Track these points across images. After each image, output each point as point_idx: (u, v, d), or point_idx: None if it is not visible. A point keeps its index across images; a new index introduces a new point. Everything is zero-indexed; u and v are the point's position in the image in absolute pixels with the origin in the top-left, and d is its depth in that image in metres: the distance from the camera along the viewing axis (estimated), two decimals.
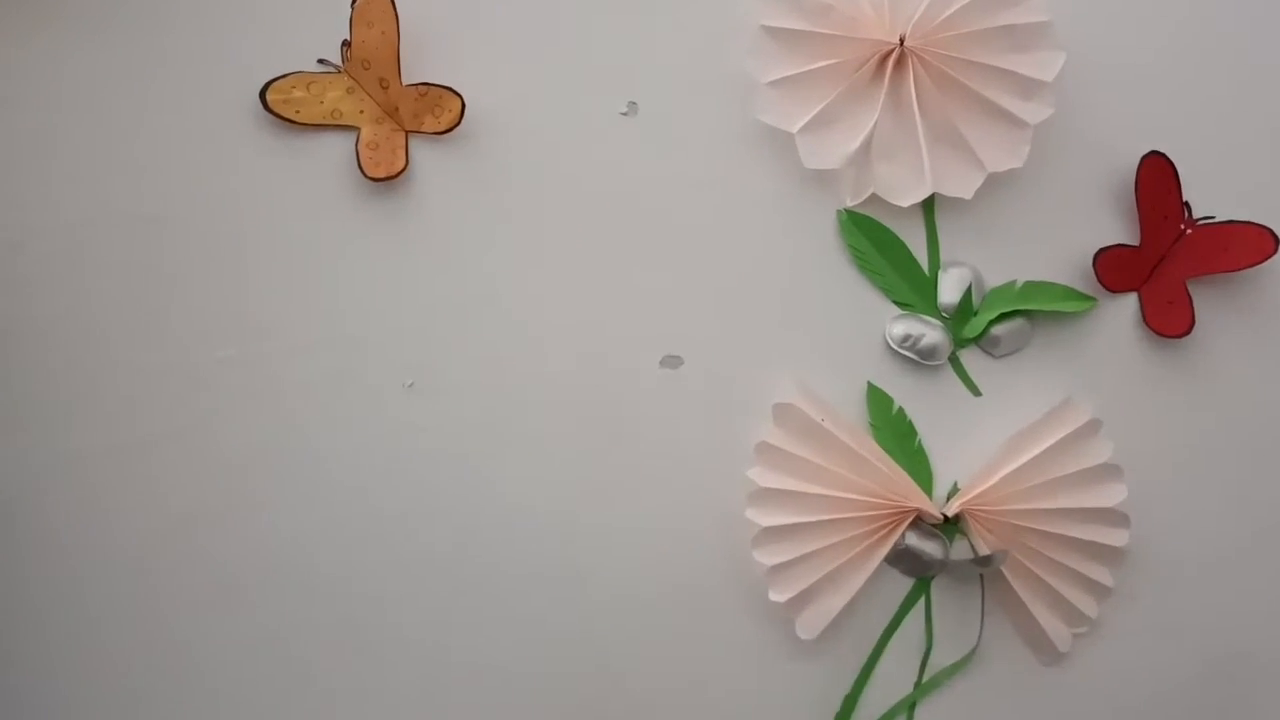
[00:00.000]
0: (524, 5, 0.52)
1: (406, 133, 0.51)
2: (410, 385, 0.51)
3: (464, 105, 0.50)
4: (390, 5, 0.49)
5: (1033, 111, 0.50)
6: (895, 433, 0.52)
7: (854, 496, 0.50)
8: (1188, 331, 0.52)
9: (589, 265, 0.52)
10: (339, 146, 0.51)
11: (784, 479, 0.50)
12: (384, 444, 0.51)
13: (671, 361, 0.52)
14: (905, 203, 0.51)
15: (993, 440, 0.52)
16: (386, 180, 0.50)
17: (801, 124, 0.50)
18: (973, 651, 0.52)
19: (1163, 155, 0.51)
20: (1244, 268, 0.52)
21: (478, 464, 0.51)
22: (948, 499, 0.52)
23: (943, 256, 0.53)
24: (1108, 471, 0.51)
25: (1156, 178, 0.52)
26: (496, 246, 0.52)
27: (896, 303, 0.53)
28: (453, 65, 0.51)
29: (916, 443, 0.52)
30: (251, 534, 0.50)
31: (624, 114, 0.52)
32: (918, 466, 0.52)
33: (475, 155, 0.51)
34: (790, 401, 0.51)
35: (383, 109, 0.50)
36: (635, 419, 0.51)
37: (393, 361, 0.51)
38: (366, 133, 0.50)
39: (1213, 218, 0.52)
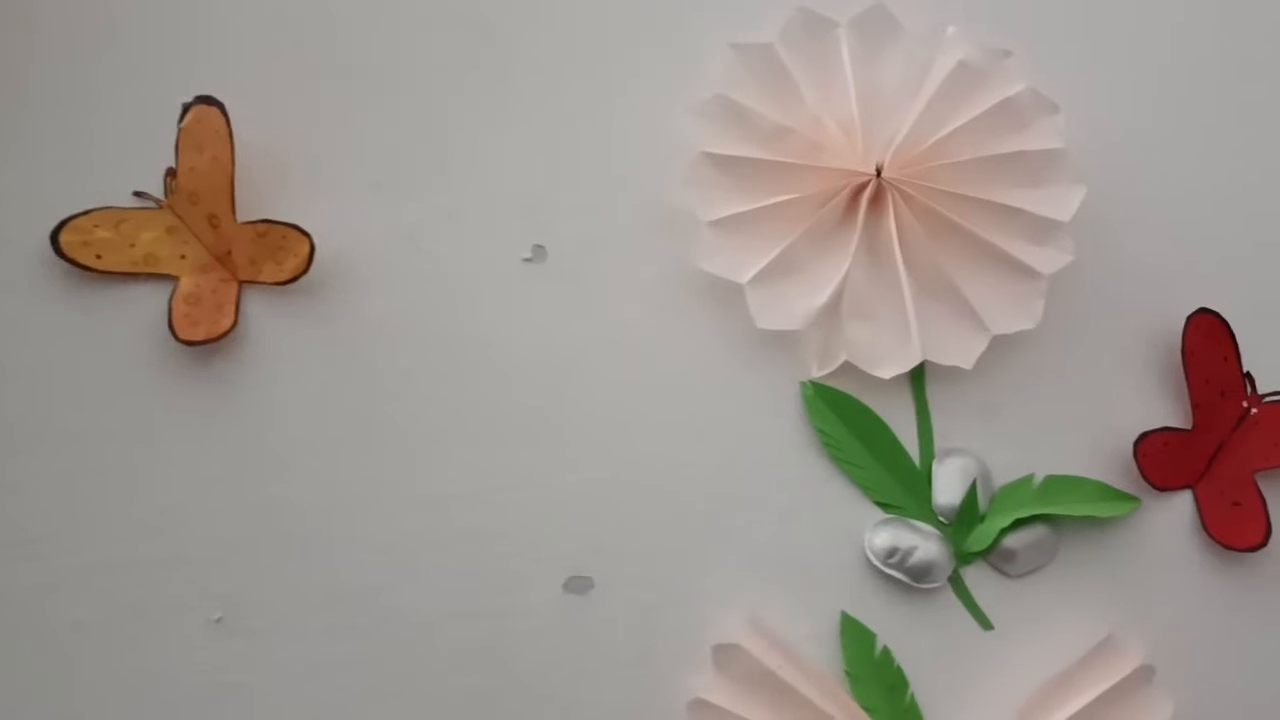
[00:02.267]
0: (397, 124, 0.48)
1: (240, 283, 0.45)
2: (219, 620, 0.45)
3: (313, 248, 0.45)
4: (225, 125, 0.44)
5: (1047, 259, 0.46)
6: (879, 683, 0.45)
7: None
8: (1264, 544, 0.46)
9: (470, 457, 0.46)
10: (151, 301, 0.45)
11: None
12: (182, 701, 0.44)
13: (578, 585, 0.46)
14: (888, 374, 0.46)
15: (1010, 693, 0.45)
16: (206, 344, 0.45)
17: (753, 273, 0.46)
18: None
19: (1214, 313, 0.46)
20: None
21: None
22: None
23: (938, 444, 0.47)
24: None
25: (1208, 341, 0.46)
26: (350, 432, 0.46)
27: (879, 504, 0.47)
28: (300, 199, 0.46)
29: (908, 697, 0.45)
30: None
31: (527, 260, 0.47)
32: None
33: (326, 313, 0.47)
34: (735, 642, 0.44)
35: (211, 253, 0.45)
36: (525, 666, 0.45)
37: (201, 588, 0.45)
38: (186, 283, 0.45)
39: None
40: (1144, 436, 0.46)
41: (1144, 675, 0.44)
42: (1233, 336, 0.46)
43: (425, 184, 0.47)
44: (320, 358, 0.46)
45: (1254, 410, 0.46)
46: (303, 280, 0.45)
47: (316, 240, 0.45)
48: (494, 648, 0.45)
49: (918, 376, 0.47)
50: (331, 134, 0.47)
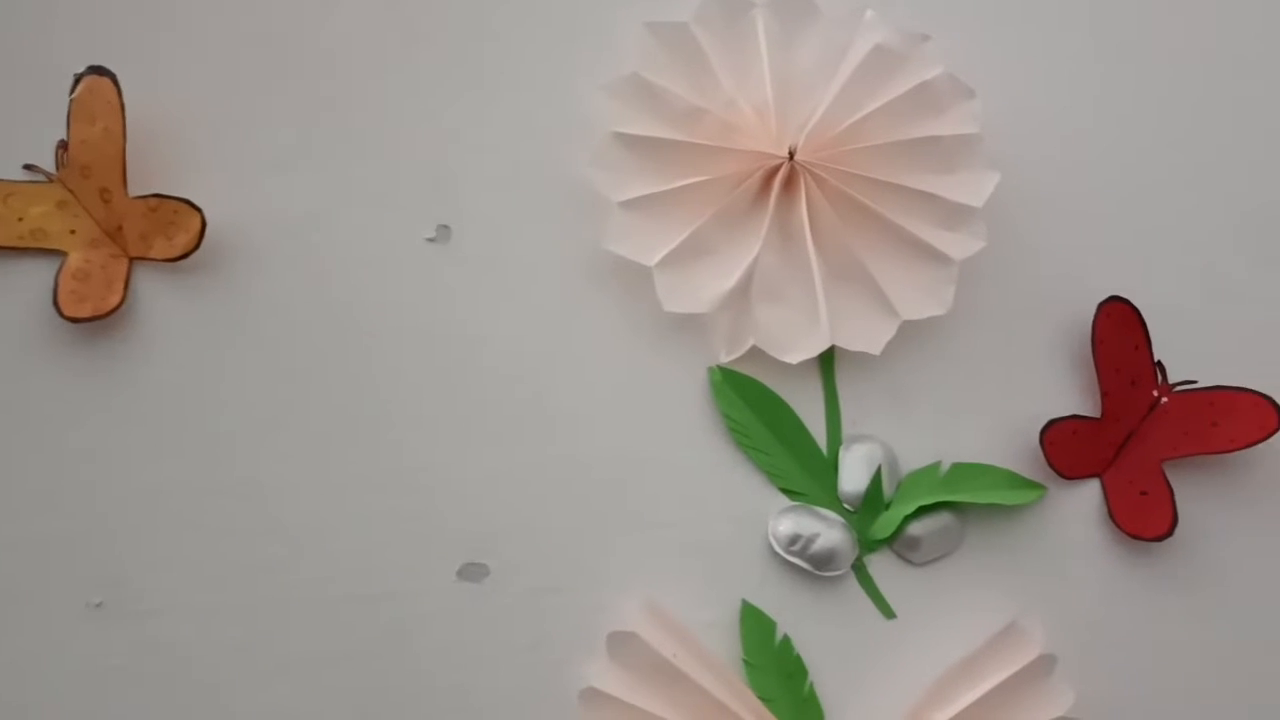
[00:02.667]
0: (295, 96, 0.47)
1: (130, 259, 0.45)
2: (99, 605, 0.44)
3: (204, 224, 0.44)
4: (117, 96, 0.44)
5: (959, 244, 0.46)
6: (778, 672, 0.45)
7: None
8: (1169, 532, 0.46)
9: (365, 439, 0.46)
10: (38, 276, 0.45)
11: None
12: (62, 686, 0.44)
13: (473, 572, 0.45)
14: (795, 358, 0.46)
15: (911, 682, 0.45)
16: (93, 321, 0.44)
17: (661, 256, 0.45)
18: None
19: (1126, 302, 0.46)
20: (1240, 447, 0.46)
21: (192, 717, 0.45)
22: None
23: (846, 430, 0.48)
24: None
25: (1119, 330, 0.47)
26: (240, 412, 0.46)
27: (785, 491, 0.47)
28: (193, 173, 0.46)
29: (807, 686, 0.45)
30: None
31: (430, 240, 0.47)
32: (807, 718, 0.45)
33: (217, 290, 0.46)
34: (631, 630, 0.44)
35: (102, 228, 0.45)
36: (416, 653, 0.45)
37: (82, 571, 0.44)
38: (75, 259, 0.44)
39: (1195, 383, 0.47)
40: (1051, 424, 0.46)
41: (1045, 664, 0.44)
42: (1144, 325, 0.46)
43: (325, 160, 0.47)
44: (211, 337, 0.46)
45: (1164, 399, 0.46)
46: (195, 257, 0.44)
47: (210, 216, 0.44)
48: (386, 633, 0.45)
49: (827, 362, 0.47)
50: (228, 106, 0.47)
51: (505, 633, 0.45)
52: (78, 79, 0.43)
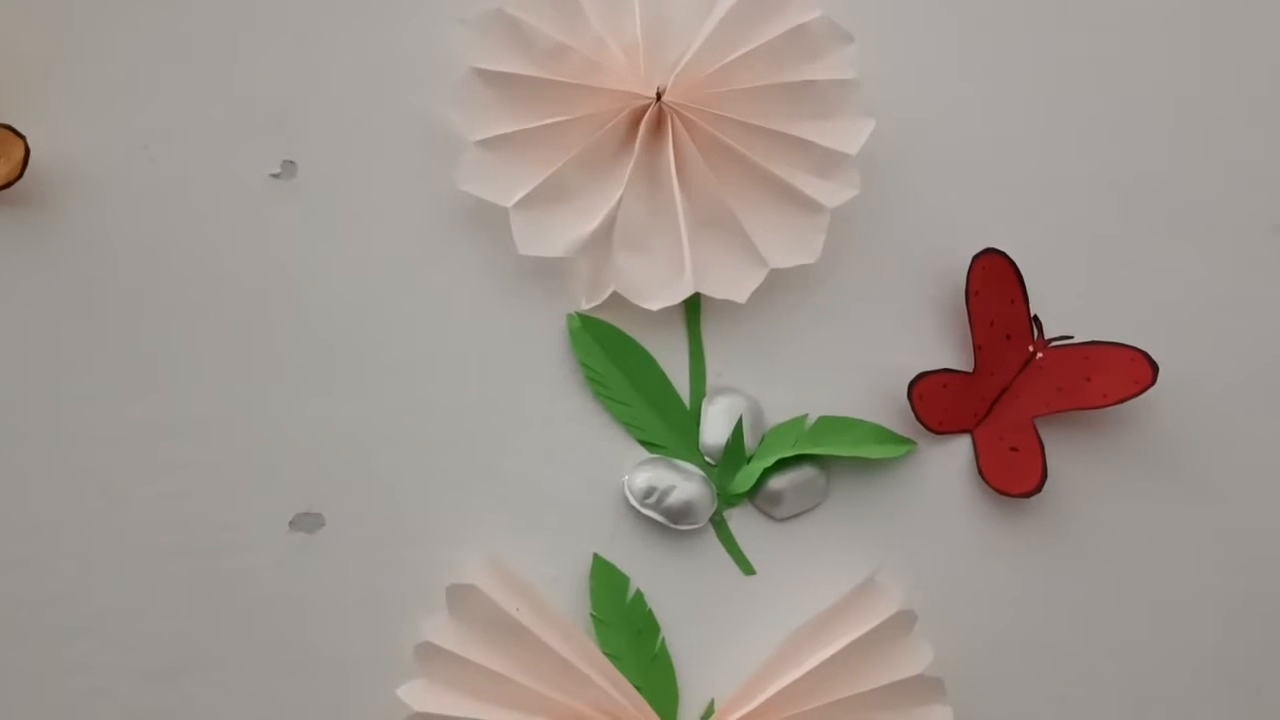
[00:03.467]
0: (129, 18, 0.46)
1: None
2: None
3: (28, 151, 0.43)
4: None
5: (831, 192, 0.46)
6: (628, 629, 0.45)
7: None
8: (1037, 488, 0.46)
9: (198, 383, 0.45)
10: None
11: (451, 699, 0.43)
12: None
13: (307, 522, 0.45)
14: (656, 305, 0.46)
15: (769, 638, 0.45)
16: None
17: (519, 197, 0.45)
18: None
19: (1002, 254, 0.46)
20: (1113, 403, 0.46)
21: (3, 681, 0.44)
22: None
23: (710, 382, 0.48)
24: (924, 687, 0.45)
25: (994, 284, 0.47)
26: (62, 356, 0.45)
27: (643, 443, 0.47)
28: (18, 99, 0.44)
29: (658, 642, 0.45)
30: None
31: (275, 176, 0.46)
32: (657, 679, 0.45)
33: (41, 221, 0.45)
34: (471, 582, 0.44)
35: None
36: (247, 606, 0.44)
37: None
38: None
39: (1071, 338, 0.47)
40: (920, 378, 0.46)
41: (904, 621, 0.44)
42: (1020, 279, 0.46)
43: (164, 89, 0.45)
44: (31, 269, 0.44)
45: (1039, 355, 0.46)
46: (17, 187, 0.43)
47: (34, 145, 0.43)
48: (206, 587, 0.44)
49: (692, 311, 0.47)
50: (66, 35, 0.45)
51: (340, 585, 0.44)
52: None
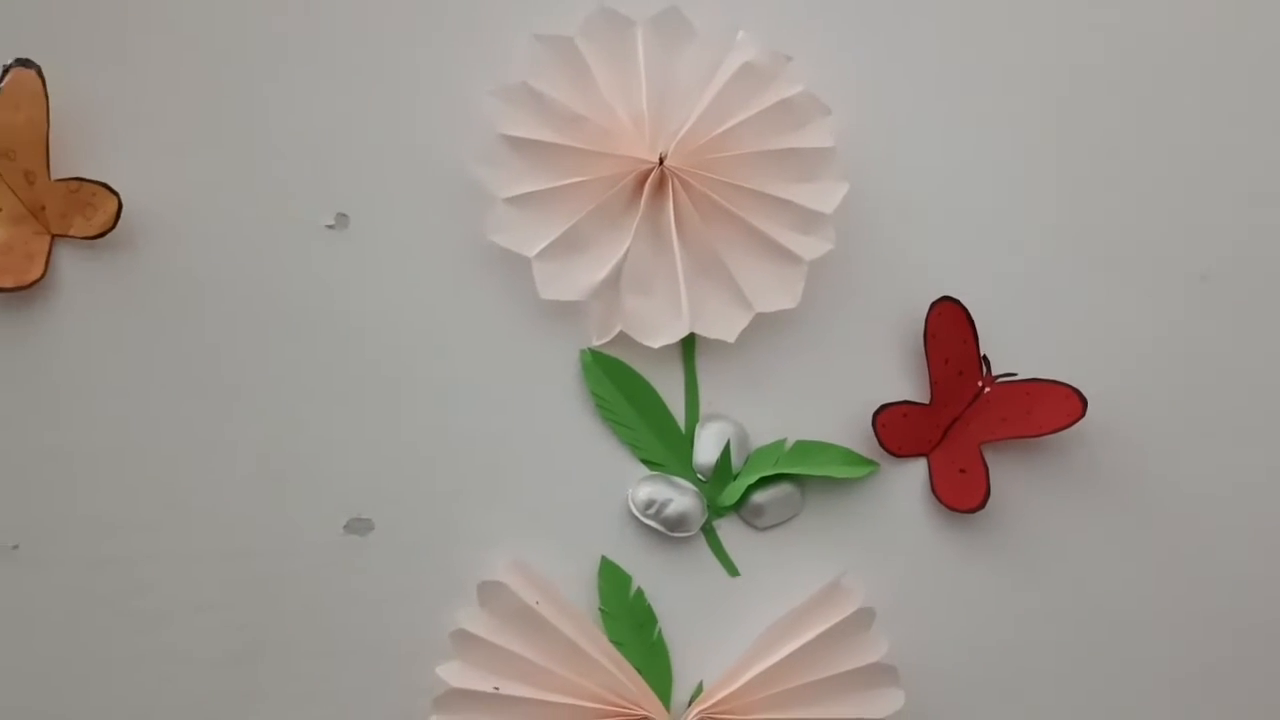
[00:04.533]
0: (206, 91, 0.48)
1: (52, 236, 0.47)
2: (15, 549, 0.46)
3: (120, 206, 0.46)
4: (41, 87, 0.45)
5: (810, 246, 0.48)
6: (631, 620, 0.48)
7: (567, 701, 0.46)
8: (981, 505, 0.49)
9: (266, 405, 0.48)
10: None
11: (482, 677, 0.46)
12: None
13: (359, 526, 0.48)
14: (658, 343, 0.48)
15: (750, 632, 0.48)
16: (16, 291, 0.46)
17: (540, 248, 0.47)
18: None
19: (956, 302, 0.49)
20: (1049, 432, 0.49)
21: (94, 665, 0.47)
22: (689, 704, 0.48)
23: (702, 409, 0.50)
24: (881, 674, 0.48)
25: (949, 327, 0.49)
26: (148, 380, 0.47)
27: (645, 461, 0.49)
28: (111, 159, 0.47)
29: (656, 633, 0.48)
30: None
31: (329, 227, 0.48)
32: (654, 663, 0.48)
33: (133, 267, 0.47)
34: (499, 579, 0.47)
35: (26, 207, 0.46)
36: (308, 596, 0.47)
37: (2, 518, 0.46)
38: (1, 235, 0.46)
39: (1014, 375, 0.49)
40: (883, 409, 0.49)
41: (864, 617, 0.48)
42: (972, 322, 0.49)
43: (234, 150, 0.47)
44: (122, 310, 0.47)
45: (987, 389, 0.49)
46: (111, 236, 0.46)
47: (124, 198, 0.46)
48: (271, 583, 0.47)
49: (688, 348, 0.49)
50: (146, 97, 0.47)
51: (386, 581, 0.47)
52: (5, 70, 0.44)
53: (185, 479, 0.47)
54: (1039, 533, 0.51)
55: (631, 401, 0.49)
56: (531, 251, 0.47)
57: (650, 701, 0.46)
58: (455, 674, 0.46)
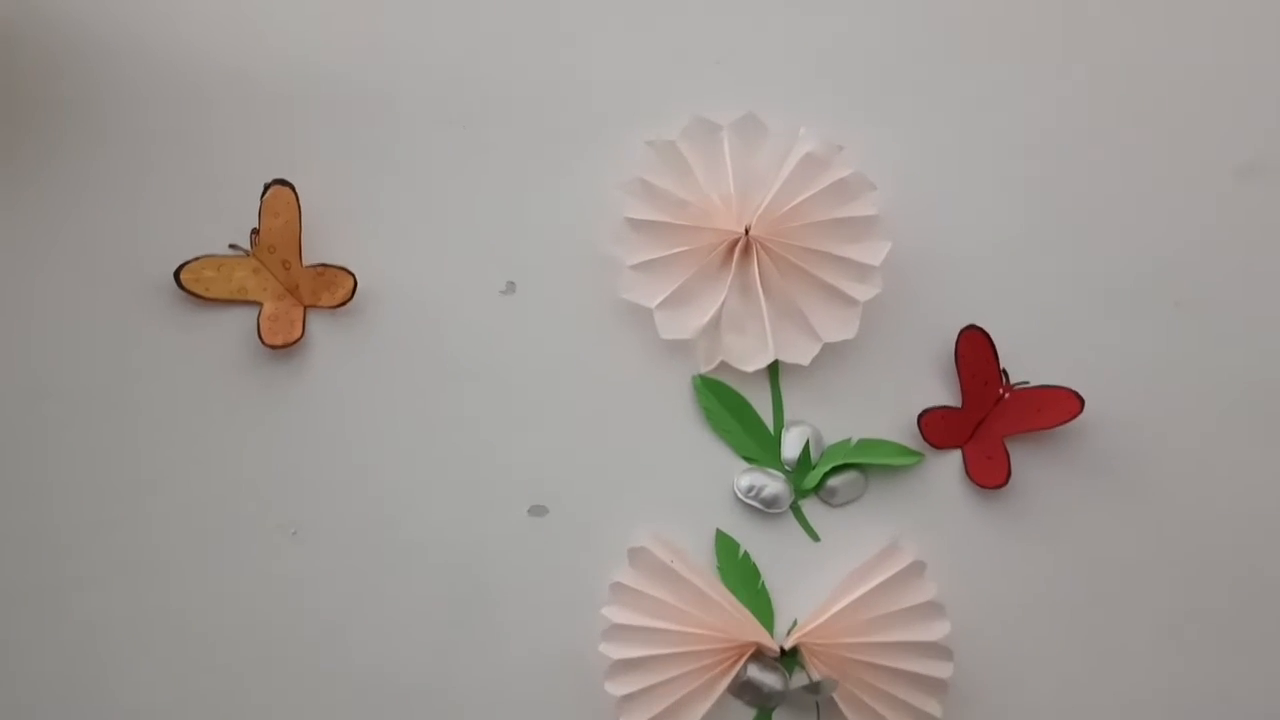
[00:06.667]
0: (413, 196, 0.54)
1: (305, 307, 0.54)
2: (294, 534, 0.53)
3: (356, 283, 0.54)
4: (294, 199, 0.53)
5: (863, 291, 0.53)
6: (740, 575, 0.54)
7: (700, 631, 0.51)
8: (1005, 483, 0.55)
9: (466, 426, 0.54)
10: (243, 319, 0.54)
11: (635, 616, 0.51)
12: (265, 590, 0.53)
13: (538, 510, 0.54)
14: (751, 369, 0.53)
15: (830, 581, 0.54)
16: (283, 348, 0.53)
17: (659, 300, 0.53)
18: None
19: (980, 329, 0.54)
20: (1055, 426, 0.54)
21: (355, 608, 0.53)
22: (788, 633, 0.53)
23: (786, 416, 0.55)
24: (931, 609, 0.53)
25: (975, 349, 0.54)
26: (381, 409, 0.54)
27: (744, 458, 0.55)
28: (348, 247, 0.54)
29: (760, 584, 0.54)
30: (133, 681, 0.52)
31: (502, 292, 0.55)
32: (760, 605, 0.54)
33: (365, 328, 0.54)
34: (644, 545, 0.53)
35: (284, 286, 0.53)
36: (505, 562, 0.53)
37: (280, 512, 0.53)
38: (268, 307, 0.53)
39: (1027, 383, 0.55)
40: (926, 412, 0.55)
41: (918, 569, 0.53)
42: (992, 344, 0.54)
43: (434, 239, 0.54)
44: (360, 358, 0.54)
45: (1006, 395, 0.55)
46: (349, 306, 0.53)
47: (358, 278, 0.53)
48: (471, 556, 0.53)
49: (774, 371, 0.55)
50: (370, 201, 0.54)
51: (561, 551, 0.53)
52: (267, 187, 0.52)
53: (409, 484, 0.53)
54: (1050, 503, 0.55)
55: (732, 413, 0.55)
56: (653, 303, 0.53)
57: (759, 632, 0.53)
58: (616, 614, 0.52)
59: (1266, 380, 0.55)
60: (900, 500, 0.55)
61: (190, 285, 0.53)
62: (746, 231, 0.52)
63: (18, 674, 0.50)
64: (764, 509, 0.54)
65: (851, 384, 0.55)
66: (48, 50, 0.52)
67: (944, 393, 0.55)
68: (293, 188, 0.52)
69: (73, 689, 0.51)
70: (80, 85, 0.52)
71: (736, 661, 0.52)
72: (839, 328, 0.53)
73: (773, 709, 0.54)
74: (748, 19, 0.54)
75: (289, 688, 0.52)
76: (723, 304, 0.53)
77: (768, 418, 0.55)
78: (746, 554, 0.54)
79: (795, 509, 0.55)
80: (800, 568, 0.54)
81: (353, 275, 0.53)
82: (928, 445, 0.55)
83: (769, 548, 0.54)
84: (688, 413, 0.55)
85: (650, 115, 0.54)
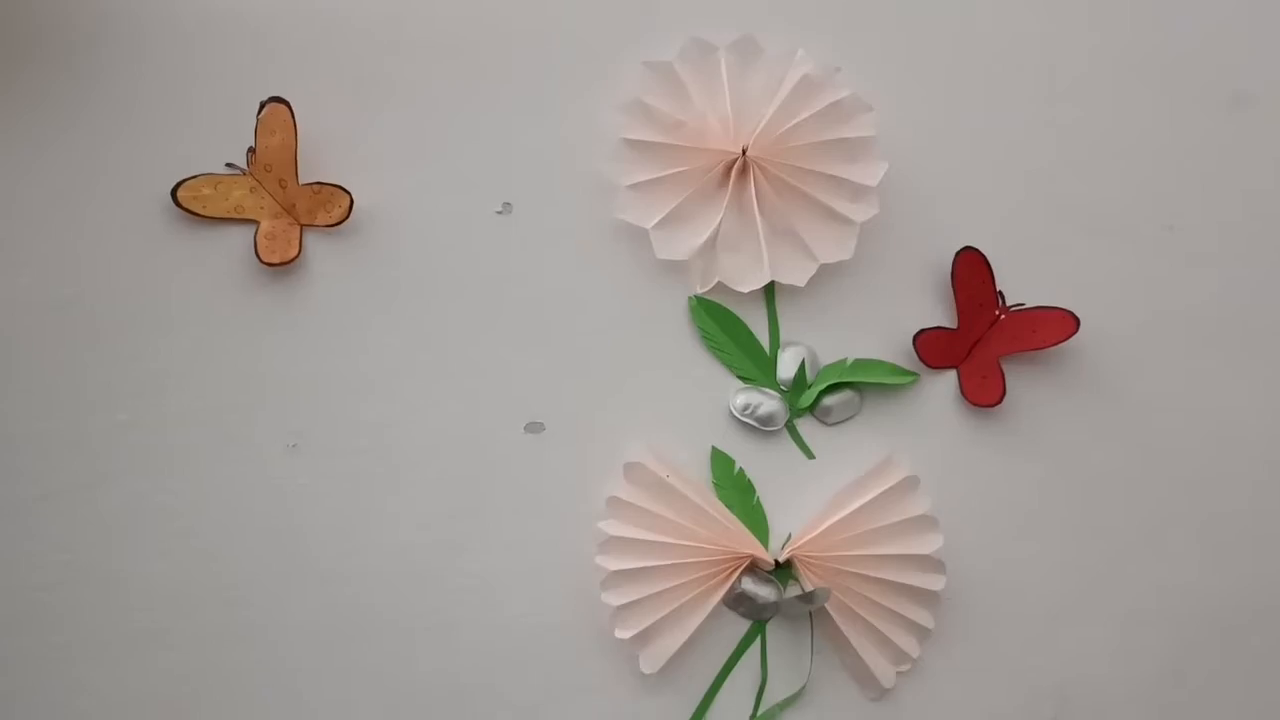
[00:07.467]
0: (409, 115, 0.55)
1: (301, 226, 0.54)
2: (294, 446, 0.53)
3: (352, 202, 0.54)
4: (290, 117, 0.53)
5: (859, 211, 0.54)
6: (736, 490, 0.55)
7: (695, 544, 0.52)
8: (999, 402, 0.56)
9: (463, 344, 0.54)
10: (240, 237, 0.55)
11: (631, 529, 0.53)
12: (265, 500, 0.53)
13: (535, 427, 0.55)
14: (747, 289, 0.54)
15: (824, 497, 0.55)
16: (280, 266, 0.54)
17: (655, 221, 0.54)
18: (803, 687, 0.55)
19: (976, 250, 0.55)
20: (1049, 346, 0.55)
21: (354, 518, 0.54)
22: (782, 547, 0.54)
23: (781, 337, 0.56)
24: (925, 523, 0.54)
25: (971, 270, 0.55)
26: (378, 326, 0.54)
27: (740, 377, 0.56)
28: (344, 167, 0.54)
29: (755, 499, 0.55)
30: (136, 584, 0.53)
31: (499, 212, 0.55)
32: (755, 519, 0.55)
33: (362, 246, 0.55)
34: (640, 460, 0.54)
35: (281, 205, 0.54)
36: (502, 477, 0.54)
37: (279, 425, 0.54)
38: (265, 225, 0.54)
39: (1023, 304, 0.55)
40: (922, 332, 0.55)
41: (912, 483, 0.55)
42: (989, 266, 0.55)
43: (431, 159, 0.54)
44: (356, 276, 0.54)
45: (1002, 316, 0.55)
46: (345, 225, 0.54)
47: (354, 196, 0.53)
48: (473, 468, 0.54)
49: (770, 292, 0.55)
50: (366, 120, 0.54)
51: (559, 466, 0.54)
52: (263, 105, 0.52)
53: (408, 397, 0.53)
54: (1042, 421, 0.56)
55: (728, 333, 0.55)
56: (649, 224, 0.54)
57: (754, 546, 0.54)
58: (612, 528, 0.53)
59: (1254, 303, 0.57)
60: (895, 419, 0.56)
61: (187, 203, 0.53)
62: (743, 152, 0.52)
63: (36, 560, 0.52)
64: (759, 427, 0.55)
65: (847, 305, 0.56)
66: None
67: (940, 314, 0.56)
68: (288, 105, 0.52)
69: (85, 578, 0.52)
70: (79, 5, 0.53)
71: (732, 574, 0.53)
72: (835, 248, 0.54)
73: (767, 620, 0.55)
74: None
75: (289, 595, 0.53)
76: (719, 225, 0.53)
77: (764, 338, 0.56)
78: (742, 470, 0.55)
79: (790, 427, 0.56)
80: (795, 484, 0.55)
81: (349, 194, 0.53)
82: (923, 365, 0.56)
83: (764, 465, 0.55)
84: (684, 332, 0.55)
85: (647, 37, 0.55)
